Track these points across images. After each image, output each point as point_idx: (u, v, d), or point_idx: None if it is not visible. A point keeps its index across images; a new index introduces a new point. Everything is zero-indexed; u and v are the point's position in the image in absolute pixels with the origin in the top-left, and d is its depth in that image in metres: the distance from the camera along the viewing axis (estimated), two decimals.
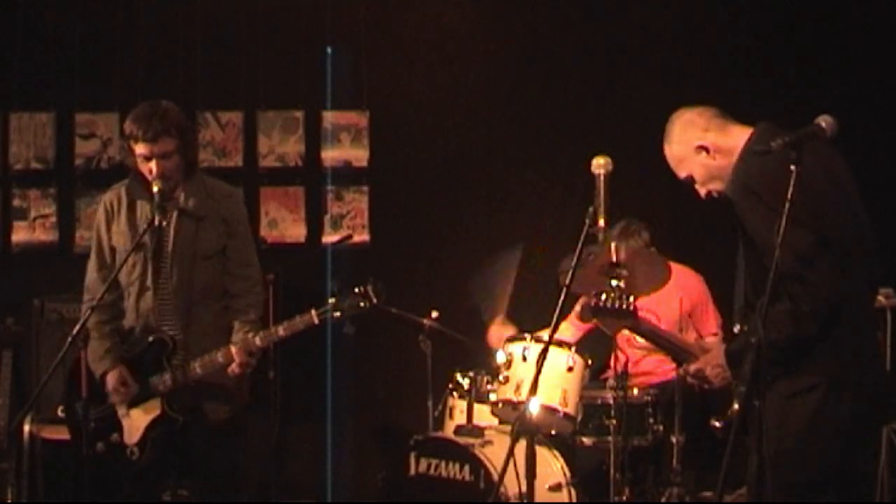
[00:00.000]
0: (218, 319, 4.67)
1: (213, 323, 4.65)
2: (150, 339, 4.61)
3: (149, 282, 4.61)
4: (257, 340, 4.56)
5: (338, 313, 4.54)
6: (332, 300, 4.55)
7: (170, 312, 4.60)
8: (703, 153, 3.75)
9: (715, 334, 5.91)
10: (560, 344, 5.18)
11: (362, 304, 4.57)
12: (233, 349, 4.52)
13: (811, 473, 3.49)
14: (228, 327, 4.66)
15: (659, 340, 3.97)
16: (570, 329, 5.93)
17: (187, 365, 4.54)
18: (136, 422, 4.61)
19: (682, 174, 3.83)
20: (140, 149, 4.53)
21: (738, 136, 3.72)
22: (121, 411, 4.63)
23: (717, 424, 3.70)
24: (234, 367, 4.54)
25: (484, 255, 6.69)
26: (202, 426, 4.60)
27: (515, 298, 5.76)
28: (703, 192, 3.83)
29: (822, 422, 3.48)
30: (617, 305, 3.90)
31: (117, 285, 4.64)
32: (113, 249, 4.69)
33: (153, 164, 4.52)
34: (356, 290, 4.58)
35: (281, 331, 4.56)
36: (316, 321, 4.53)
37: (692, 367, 3.78)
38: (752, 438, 3.46)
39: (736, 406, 3.54)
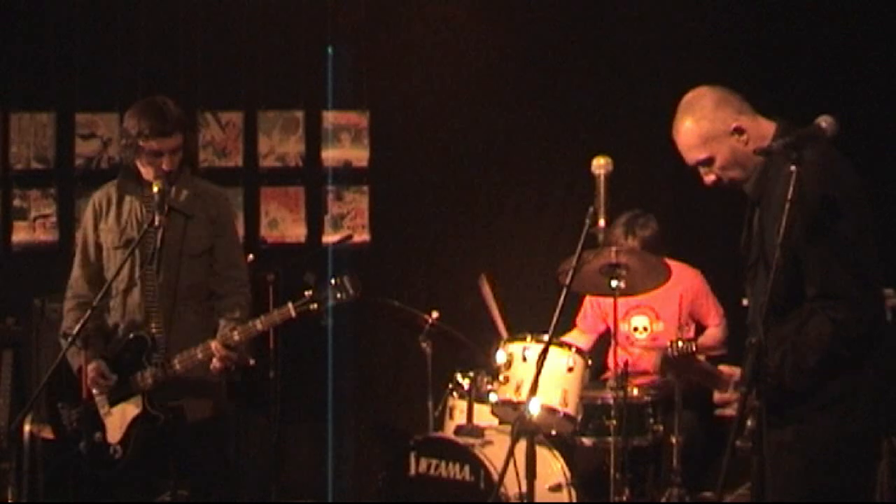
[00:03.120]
0: (202, 320, 4.66)
1: (197, 323, 4.64)
2: (130, 336, 4.60)
3: (136, 278, 4.60)
4: (235, 335, 4.53)
5: (315, 305, 4.52)
6: (308, 293, 4.52)
7: (155, 310, 4.59)
8: (737, 135, 3.48)
9: (717, 325, 5.93)
10: (560, 344, 5.19)
11: (339, 295, 4.54)
12: (212, 344, 4.50)
13: (826, 492, 3.38)
14: (213, 328, 4.64)
15: (707, 376, 3.70)
16: (583, 337, 5.95)
17: (167, 362, 4.52)
18: (117, 420, 4.60)
19: (702, 155, 3.51)
20: (152, 145, 4.51)
21: (767, 128, 3.52)
22: (103, 410, 4.62)
23: (739, 444, 3.64)
24: (214, 363, 4.52)
25: (484, 255, 6.72)
26: (184, 424, 4.59)
27: (509, 317, 5.77)
28: (712, 178, 3.54)
29: (839, 440, 3.38)
30: (679, 353, 3.72)
31: (103, 283, 4.61)
32: (99, 247, 4.69)
33: (164, 160, 4.52)
34: (333, 282, 4.56)
35: (259, 325, 4.52)
36: (293, 314, 4.50)
37: (727, 396, 3.55)
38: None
39: (750, 422, 3.47)
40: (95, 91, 6.68)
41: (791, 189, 3.20)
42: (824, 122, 3.31)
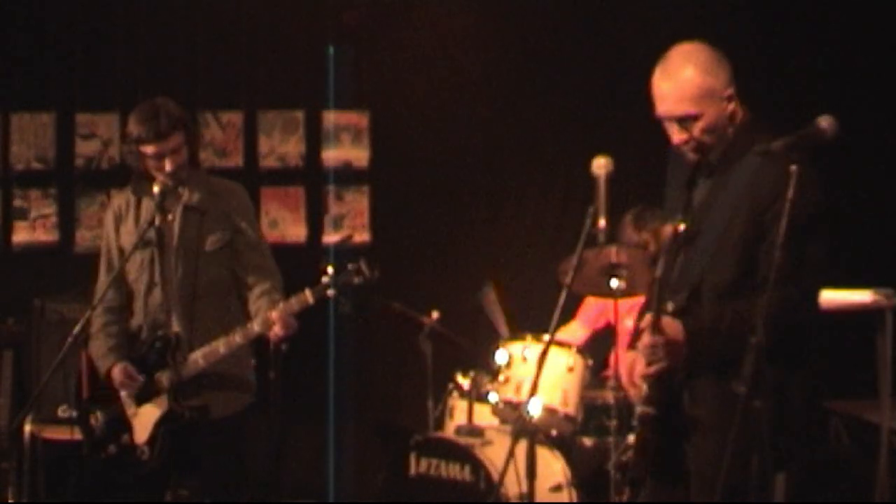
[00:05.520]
0: (224, 316, 4.66)
1: (217, 320, 4.64)
2: (155, 336, 4.62)
3: (157, 277, 4.62)
4: (274, 314, 4.50)
5: (332, 291, 4.50)
6: (325, 278, 4.51)
7: (175, 308, 4.61)
8: (727, 102, 3.44)
9: None
10: (560, 344, 5.19)
11: (356, 279, 4.51)
12: (274, 314, 4.46)
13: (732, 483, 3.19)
14: (233, 324, 4.62)
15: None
16: (580, 330, 5.93)
17: (190, 357, 4.53)
18: (144, 421, 4.60)
19: (692, 110, 3.41)
20: (151, 149, 4.53)
21: (738, 110, 3.49)
22: (130, 411, 4.63)
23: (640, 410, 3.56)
24: (276, 330, 4.45)
25: (484, 255, 6.72)
26: (209, 420, 4.59)
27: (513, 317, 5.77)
28: (685, 137, 3.44)
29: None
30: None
31: (125, 287, 4.67)
32: (122, 251, 4.69)
33: (166, 162, 4.53)
34: (349, 266, 4.54)
35: (275, 314, 4.52)
36: (311, 300, 4.47)
37: (656, 339, 3.33)
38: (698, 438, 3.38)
39: (640, 409, 3.43)
40: (95, 91, 6.69)
41: (791, 189, 3.20)
42: (824, 121, 3.31)
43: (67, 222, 6.70)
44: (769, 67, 6.57)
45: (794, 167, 3.22)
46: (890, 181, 6.20)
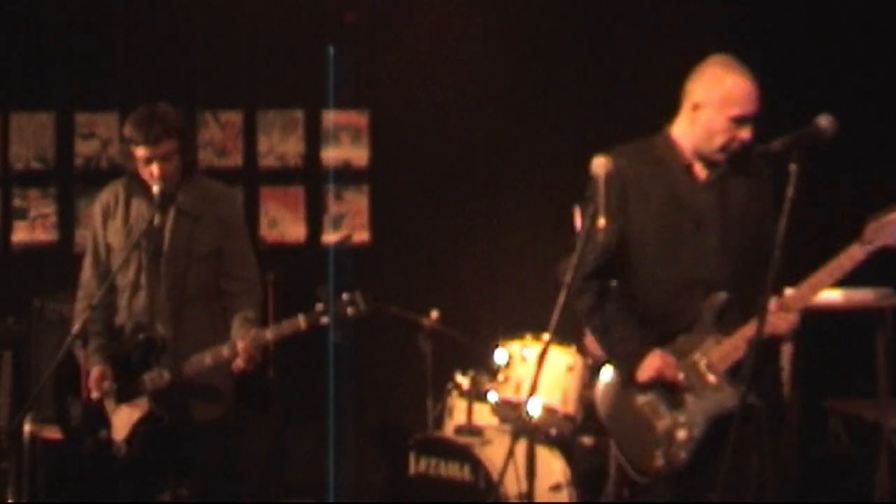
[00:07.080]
0: (210, 321, 4.67)
1: (205, 324, 4.65)
2: (140, 337, 4.61)
3: (143, 280, 4.61)
4: (267, 334, 4.53)
5: (325, 319, 4.52)
6: (320, 306, 4.53)
7: (162, 311, 4.61)
8: None
9: None
10: (560, 343, 5.19)
11: (350, 310, 4.55)
12: (240, 343, 4.51)
13: None
14: (220, 328, 4.64)
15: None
16: None
17: (175, 368, 4.53)
18: (123, 418, 4.61)
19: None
20: (141, 152, 4.55)
21: None
22: (109, 408, 4.64)
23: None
24: (238, 363, 4.52)
25: (484, 255, 6.72)
26: (190, 426, 4.60)
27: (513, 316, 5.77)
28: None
29: None
30: None
31: (114, 282, 4.66)
32: (108, 247, 4.70)
33: (154, 167, 4.54)
34: (344, 296, 4.56)
35: (268, 334, 4.53)
36: (303, 326, 4.51)
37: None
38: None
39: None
40: (95, 91, 6.69)
41: (791, 188, 3.22)
42: (824, 121, 3.33)
43: (67, 222, 6.70)
44: (769, 67, 6.56)
45: (793, 166, 3.24)
46: (890, 181, 6.19)
